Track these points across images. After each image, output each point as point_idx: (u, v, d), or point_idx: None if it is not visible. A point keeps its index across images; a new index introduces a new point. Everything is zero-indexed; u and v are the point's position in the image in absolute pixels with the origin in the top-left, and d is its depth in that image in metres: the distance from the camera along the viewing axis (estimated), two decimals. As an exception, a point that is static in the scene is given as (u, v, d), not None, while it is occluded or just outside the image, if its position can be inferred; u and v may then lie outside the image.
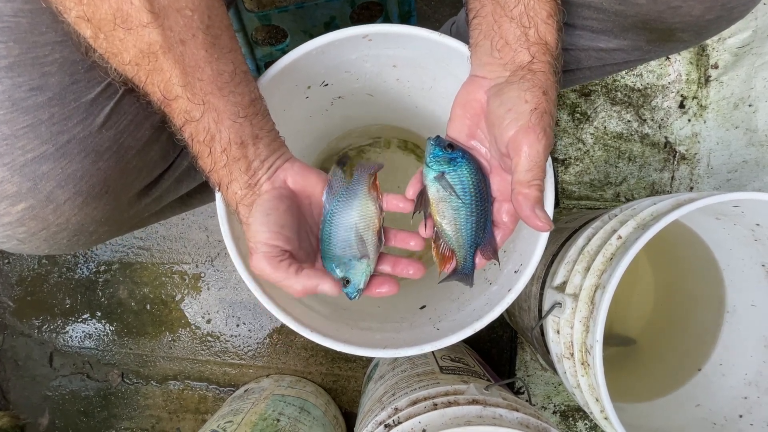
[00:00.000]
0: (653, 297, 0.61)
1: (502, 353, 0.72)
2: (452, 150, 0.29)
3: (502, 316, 0.72)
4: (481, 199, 0.30)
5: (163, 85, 0.25)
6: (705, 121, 0.72)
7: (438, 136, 0.30)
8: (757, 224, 0.42)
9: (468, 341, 0.71)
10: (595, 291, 0.38)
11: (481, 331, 0.73)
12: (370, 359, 0.71)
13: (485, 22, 0.28)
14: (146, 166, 0.32)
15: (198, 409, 0.70)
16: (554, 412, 0.72)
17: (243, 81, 0.28)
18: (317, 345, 0.71)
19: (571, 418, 0.72)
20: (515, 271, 0.34)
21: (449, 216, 0.30)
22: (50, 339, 0.70)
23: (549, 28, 0.27)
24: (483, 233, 0.30)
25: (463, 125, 0.31)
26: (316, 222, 0.31)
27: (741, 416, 0.44)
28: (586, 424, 0.73)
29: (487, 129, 0.29)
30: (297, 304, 0.36)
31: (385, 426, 0.39)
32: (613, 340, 0.61)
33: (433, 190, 0.30)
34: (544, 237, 0.32)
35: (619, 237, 0.38)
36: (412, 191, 0.31)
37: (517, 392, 0.70)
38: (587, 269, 0.40)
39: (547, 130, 0.27)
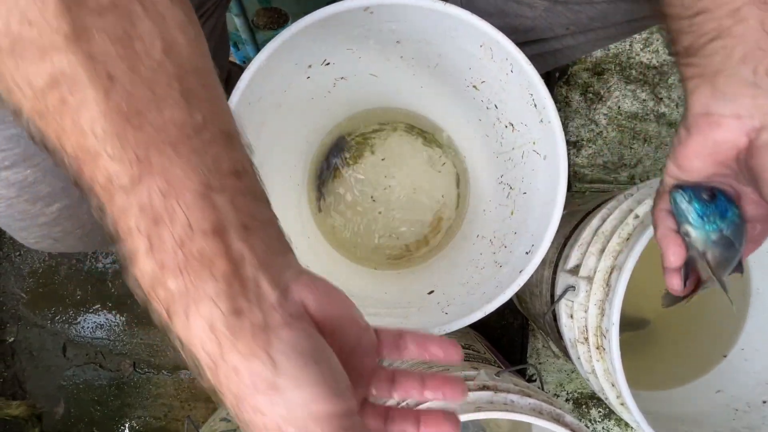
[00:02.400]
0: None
1: (513, 341, 0.71)
2: (713, 198, 0.24)
3: (512, 302, 0.71)
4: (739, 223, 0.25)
5: (74, 134, 0.15)
6: (725, 99, 0.69)
7: (683, 187, 0.24)
8: (784, 201, 0.40)
9: (477, 328, 0.70)
10: (610, 273, 0.36)
11: (491, 318, 0.72)
12: (378, 347, 0.70)
13: (743, 41, 0.22)
14: None
15: (209, 398, 0.71)
16: (567, 400, 0.71)
17: (220, 141, 0.16)
18: (326, 334, 0.71)
19: (584, 406, 0.71)
20: (526, 252, 0.32)
21: (722, 270, 0.25)
22: (63, 330, 0.71)
23: None
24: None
25: (700, 177, 0.24)
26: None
27: (765, 402, 0.42)
28: (599, 411, 0.71)
29: (754, 183, 0.23)
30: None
31: (394, 413, 0.38)
32: (625, 322, 0.59)
33: (716, 254, 0.24)
34: (556, 216, 0.31)
35: (636, 216, 0.37)
36: (677, 261, 0.25)
37: (528, 380, 0.69)
38: (602, 251, 0.38)
39: None
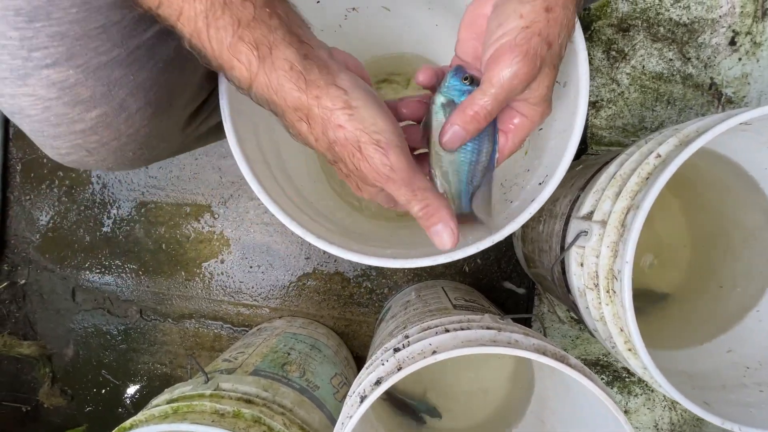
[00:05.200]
0: (690, 249, 0.57)
1: (518, 305, 0.70)
2: (470, 83, 0.27)
3: (519, 266, 0.70)
4: (481, 140, 0.27)
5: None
6: (758, 60, 0.65)
7: (460, 67, 0.28)
8: (819, 149, 0.38)
9: (483, 291, 0.70)
10: (626, 214, 0.35)
11: (497, 280, 0.70)
12: (382, 304, 0.70)
13: None
14: (200, 82, 0.31)
15: (213, 347, 0.72)
16: (570, 367, 0.71)
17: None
18: (329, 289, 0.71)
19: (587, 372, 0.70)
20: (539, 183, 0.31)
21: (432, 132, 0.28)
22: (72, 275, 0.72)
23: None
24: (478, 180, 0.28)
25: (468, 47, 0.28)
26: None
27: (779, 360, 0.41)
28: (603, 378, 0.71)
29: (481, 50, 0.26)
30: (304, 217, 0.34)
31: (395, 350, 0.38)
32: (643, 295, 0.58)
33: (439, 117, 0.27)
34: (574, 141, 0.29)
35: (658, 156, 0.35)
36: (422, 77, 0.28)
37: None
38: (618, 194, 0.36)
39: (529, 54, 0.22)
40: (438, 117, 0.27)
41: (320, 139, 0.23)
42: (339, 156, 0.23)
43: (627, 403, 0.71)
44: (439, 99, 0.27)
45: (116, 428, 0.38)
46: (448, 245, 0.25)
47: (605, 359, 0.70)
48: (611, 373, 0.71)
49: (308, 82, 0.21)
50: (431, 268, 0.70)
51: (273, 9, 0.21)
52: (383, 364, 0.36)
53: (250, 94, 0.23)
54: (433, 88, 0.28)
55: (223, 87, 0.31)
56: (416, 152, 0.30)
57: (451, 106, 0.27)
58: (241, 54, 0.21)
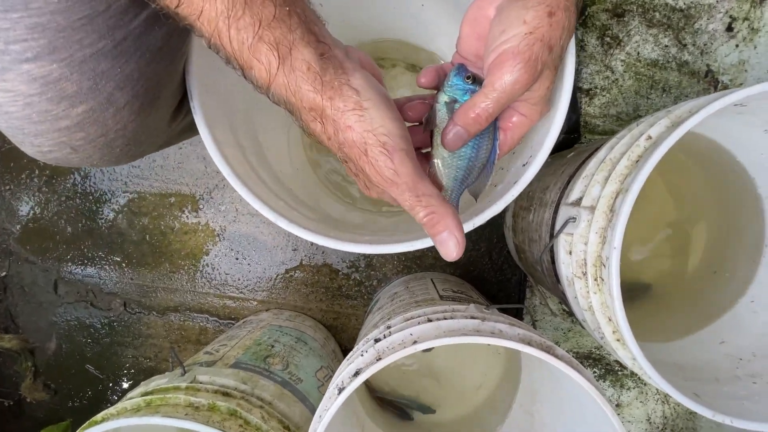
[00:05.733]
0: (676, 235, 0.55)
1: (509, 297, 0.69)
2: (472, 82, 0.27)
3: (510, 257, 0.68)
4: (482, 137, 0.27)
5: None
6: (756, 47, 0.63)
7: (462, 65, 0.28)
8: (816, 132, 0.36)
9: (473, 283, 0.68)
10: (615, 198, 0.33)
11: (488, 272, 0.69)
12: (371, 297, 0.69)
13: None
14: (184, 72, 0.29)
15: (199, 340, 0.71)
16: (562, 360, 0.69)
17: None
18: (317, 281, 0.70)
19: (579, 365, 0.69)
20: (524, 164, 0.29)
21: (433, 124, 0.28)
22: (54, 267, 0.70)
23: None
24: (476, 174, 0.29)
25: (470, 46, 0.28)
26: None
27: (772, 351, 0.39)
28: (594, 372, 0.70)
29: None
30: (280, 202, 0.32)
31: (375, 341, 0.37)
32: (627, 288, 0.57)
33: (441, 114, 0.28)
34: (559, 118, 0.27)
35: (649, 137, 0.33)
36: (424, 79, 0.28)
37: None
38: (607, 178, 0.35)
39: (530, 61, 0.23)
40: (441, 114, 0.28)
41: (332, 138, 0.23)
42: (348, 156, 0.24)
43: (619, 397, 0.70)
44: (443, 97, 0.28)
45: (87, 421, 0.37)
46: (454, 255, 0.24)
47: (597, 352, 0.69)
48: (603, 366, 0.70)
49: (324, 83, 0.22)
50: (421, 259, 0.68)
51: (292, 7, 0.21)
52: (362, 355, 0.35)
53: (267, 93, 0.23)
54: (436, 87, 0.29)
55: (192, 68, 0.29)
56: (423, 151, 0.30)
57: (454, 104, 0.27)
58: (261, 54, 0.21)
